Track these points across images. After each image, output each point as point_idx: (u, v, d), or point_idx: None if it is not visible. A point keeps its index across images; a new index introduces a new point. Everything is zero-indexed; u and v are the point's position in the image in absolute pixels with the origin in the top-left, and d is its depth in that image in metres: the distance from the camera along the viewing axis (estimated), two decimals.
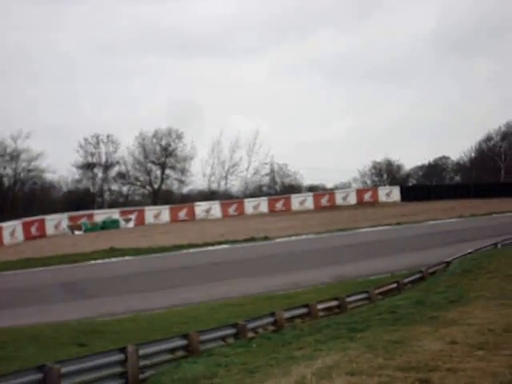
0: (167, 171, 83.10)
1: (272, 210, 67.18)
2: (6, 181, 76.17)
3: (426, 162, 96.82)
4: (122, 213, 62.00)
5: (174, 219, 63.23)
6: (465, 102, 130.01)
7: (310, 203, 69.43)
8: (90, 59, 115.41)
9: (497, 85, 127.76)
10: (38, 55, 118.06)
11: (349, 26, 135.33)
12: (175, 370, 12.41)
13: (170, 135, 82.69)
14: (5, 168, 75.68)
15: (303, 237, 43.34)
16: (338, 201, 70.55)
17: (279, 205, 68.82)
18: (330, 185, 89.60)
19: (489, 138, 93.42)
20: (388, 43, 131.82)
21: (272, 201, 69.63)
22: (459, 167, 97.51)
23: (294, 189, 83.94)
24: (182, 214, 64.86)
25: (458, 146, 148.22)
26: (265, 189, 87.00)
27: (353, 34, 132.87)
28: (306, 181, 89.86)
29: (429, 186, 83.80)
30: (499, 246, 30.52)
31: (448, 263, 25.80)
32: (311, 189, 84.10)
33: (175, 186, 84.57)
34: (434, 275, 24.13)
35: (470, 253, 27.99)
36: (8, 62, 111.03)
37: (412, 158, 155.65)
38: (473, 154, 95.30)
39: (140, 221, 61.57)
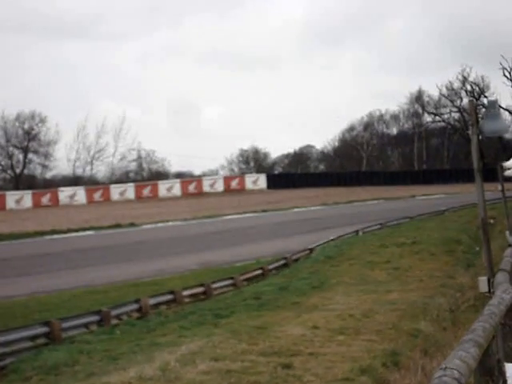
0: (30, 155, 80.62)
1: (139, 197, 66.61)
2: None
3: (291, 150, 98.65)
4: None
5: (37, 205, 61.56)
6: (330, 92, 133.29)
7: (177, 190, 69.32)
8: None
9: (361, 75, 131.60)
10: None
11: (221, 13, 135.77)
12: (36, 358, 12.11)
13: (34, 119, 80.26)
14: None
15: (170, 223, 43.21)
16: (206, 188, 70.79)
17: (146, 191, 68.33)
18: (197, 172, 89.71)
19: (352, 128, 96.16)
20: (259, 32, 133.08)
21: (139, 187, 69.02)
22: (323, 156, 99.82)
23: (162, 175, 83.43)
24: (46, 199, 63.23)
25: (323, 136, 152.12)
26: (132, 175, 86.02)
27: (224, 21, 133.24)
28: (174, 167, 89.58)
29: (294, 174, 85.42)
30: (360, 233, 31.46)
31: (311, 250, 26.37)
32: (179, 175, 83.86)
33: (38, 171, 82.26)
34: (297, 262, 24.62)
35: (332, 240, 28.71)
36: None
37: (278, 146, 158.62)
38: (336, 144, 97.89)
39: (1, 206, 59.60)
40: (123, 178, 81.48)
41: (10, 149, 79.43)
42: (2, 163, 79.85)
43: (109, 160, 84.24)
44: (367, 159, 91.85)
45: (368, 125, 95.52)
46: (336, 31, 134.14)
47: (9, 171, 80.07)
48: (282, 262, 24.21)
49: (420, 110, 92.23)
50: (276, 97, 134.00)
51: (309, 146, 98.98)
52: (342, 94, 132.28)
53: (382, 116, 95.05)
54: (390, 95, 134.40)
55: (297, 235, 33.65)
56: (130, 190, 67.68)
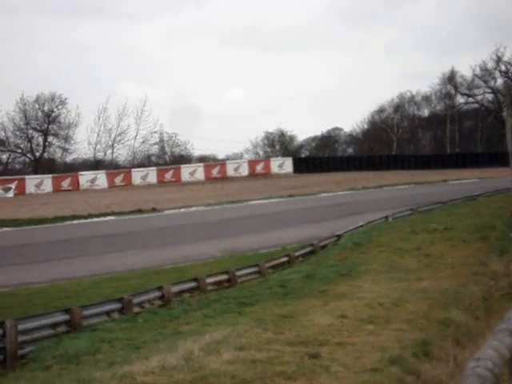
0: (50, 138, 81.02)
1: (161, 181, 66.75)
2: None
3: (318, 133, 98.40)
4: (1, 182, 60.39)
5: (57, 189, 61.94)
6: (359, 73, 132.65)
7: (200, 174, 69.33)
8: None
9: (392, 55, 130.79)
10: None
11: None
12: (56, 346, 12.19)
13: (54, 101, 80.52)
14: None
15: (193, 209, 43.33)
16: (230, 172, 70.74)
17: (169, 175, 68.43)
18: (221, 155, 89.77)
19: (381, 110, 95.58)
20: (284, 13, 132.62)
21: (161, 171, 69.14)
22: (352, 139, 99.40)
23: (184, 159, 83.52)
24: (66, 183, 63.59)
25: (351, 118, 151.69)
26: (153, 159, 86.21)
27: (249, 2, 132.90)
28: (197, 151, 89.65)
29: (321, 157, 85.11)
30: (390, 219, 31.33)
31: (339, 236, 26.29)
32: (202, 159, 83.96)
33: (58, 155, 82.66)
34: (324, 249, 24.57)
35: (361, 226, 28.62)
36: None
37: (305, 129, 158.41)
38: (365, 126, 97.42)
39: (20, 190, 60.08)
40: (145, 162, 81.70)
41: (30, 131, 79.87)
42: (22, 146, 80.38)
43: (130, 143, 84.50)
44: (397, 142, 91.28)
45: (398, 106, 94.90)
46: (365, 10, 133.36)
47: (28, 154, 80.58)
48: (309, 248, 24.18)
49: (452, 91, 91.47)
50: (303, 78, 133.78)
51: (336, 129, 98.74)
52: (371, 74, 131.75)
53: (413, 97, 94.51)
54: (421, 76, 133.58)
55: (324, 221, 33.62)
56: (151, 175, 67.80)
